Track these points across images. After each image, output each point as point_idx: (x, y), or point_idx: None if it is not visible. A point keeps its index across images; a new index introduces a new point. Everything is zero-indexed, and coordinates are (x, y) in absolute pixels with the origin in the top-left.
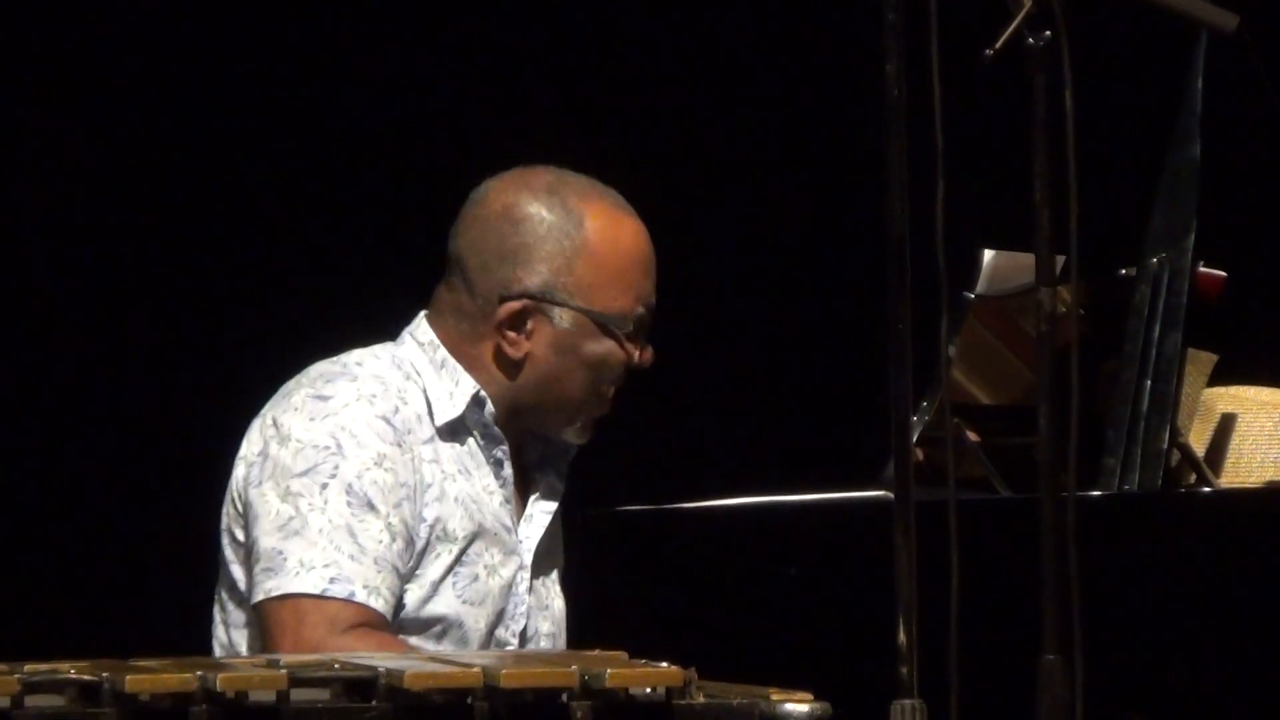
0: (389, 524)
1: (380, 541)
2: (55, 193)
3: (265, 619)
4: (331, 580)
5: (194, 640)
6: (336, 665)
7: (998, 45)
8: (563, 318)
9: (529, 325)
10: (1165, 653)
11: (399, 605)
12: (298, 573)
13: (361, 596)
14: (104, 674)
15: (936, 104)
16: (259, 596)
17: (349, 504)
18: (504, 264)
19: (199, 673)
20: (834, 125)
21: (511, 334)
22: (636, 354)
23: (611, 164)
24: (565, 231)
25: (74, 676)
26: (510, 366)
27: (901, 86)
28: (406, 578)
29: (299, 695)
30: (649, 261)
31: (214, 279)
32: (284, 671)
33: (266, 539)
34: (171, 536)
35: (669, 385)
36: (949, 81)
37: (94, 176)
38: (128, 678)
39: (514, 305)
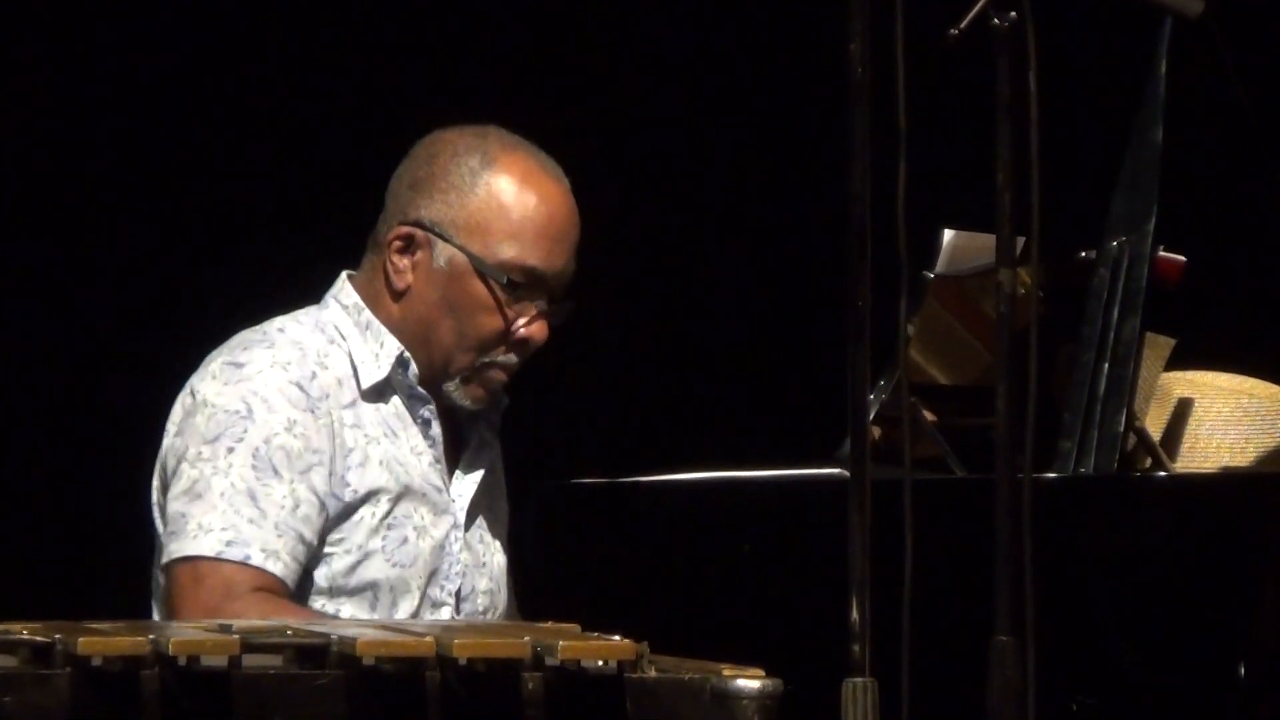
0: (293, 490)
1: (283, 507)
2: None
3: (167, 581)
4: (228, 543)
5: (143, 611)
6: (289, 632)
7: (962, 26)
8: (442, 254)
9: (416, 256)
10: (1117, 636)
11: (310, 570)
12: (196, 535)
13: (258, 560)
14: (56, 636)
15: (900, 84)
16: (164, 559)
17: (254, 468)
18: (410, 191)
19: (151, 636)
20: (797, 103)
21: (397, 259)
22: (519, 320)
23: (571, 142)
24: (472, 170)
25: (26, 637)
26: (397, 297)
27: (865, 66)
28: (326, 542)
29: (251, 661)
30: (555, 228)
31: (147, 253)
32: (236, 637)
33: (174, 504)
34: (122, 504)
35: (626, 359)
36: (913, 61)
37: (24, 151)
38: (80, 640)
39: (403, 229)
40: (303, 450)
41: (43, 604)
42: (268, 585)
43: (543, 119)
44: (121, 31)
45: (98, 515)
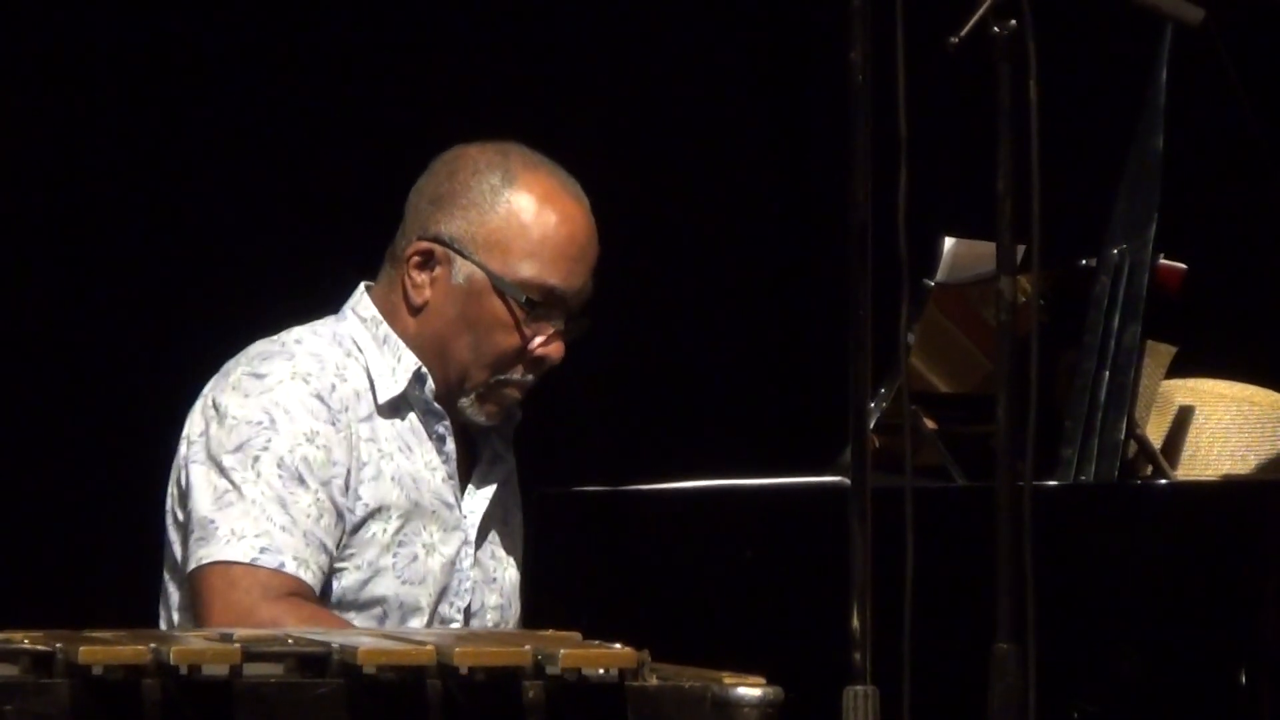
0: (318, 499)
1: (309, 515)
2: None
3: (196, 586)
4: (262, 550)
5: (145, 619)
6: (290, 640)
7: (963, 33)
8: (461, 271)
9: (435, 271)
10: (1117, 644)
11: (327, 581)
12: (229, 541)
13: (291, 568)
14: (57, 645)
15: (900, 91)
16: (191, 565)
17: (280, 476)
18: (431, 206)
19: (152, 645)
20: (798, 111)
21: (416, 274)
22: (536, 338)
23: (574, 149)
24: (494, 188)
25: (27, 646)
26: (414, 312)
27: (866, 73)
28: (336, 556)
29: (252, 670)
30: (575, 248)
31: (160, 259)
32: (237, 646)
33: (199, 511)
34: (126, 512)
35: (629, 366)
36: (913, 69)
37: (37, 157)
38: (81, 649)
39: (422, 244)
40: (324, 461)
41: (43, 613)
42: (301, 592)
43: (547, 130)
44: (140, 38)
45: (99, 524)
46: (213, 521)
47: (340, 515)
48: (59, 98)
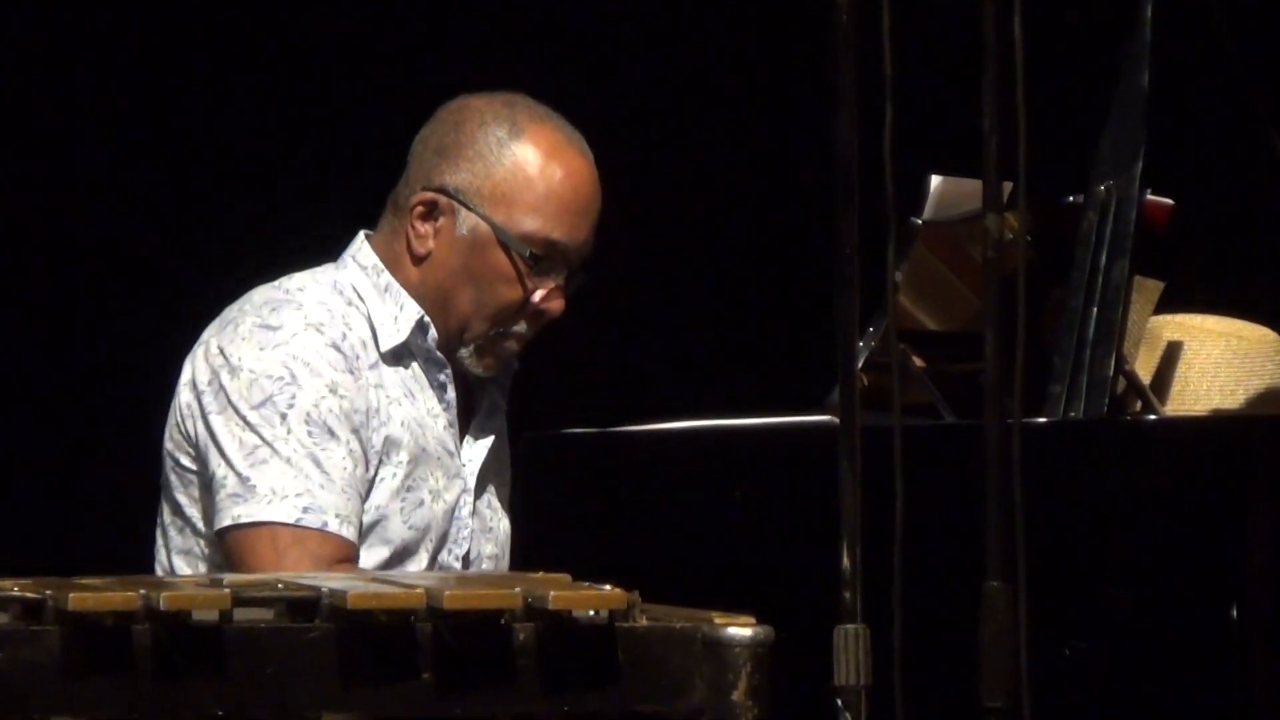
0: (350, 450)
1: (344, 468)
2: None
3: (237, 545)
4: (305, 509)
5: (138, 563)
6: (280, 585)
7: None
8: (466, 222)
9: (439, 222)
10: (1108, 580)
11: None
12: (270, 500)
13: (334, 526)
14: (47, 591)
15: (885, 29)
16: (226, 522)
17: (310, 433)
18: (436, 156)
19: (142, 591)
20: (783, 50)
21: (420, 225)
22: (538, 291)
23: (558, 93)
24: (500, 140)
25: (17, 594)
26: (417, 262)
27: (850, 12)
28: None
29: (242, 615)
30: (580, 203)
31: (153, 204)
32: (227, 591)
33: (231, 467)
34: (118, 457)
35: (615, 307)
36: (898, 6)
37: (30, 109)
38: (71, 595)
39: (426, 195)
40: (349, 410)
41: (33, 560)
42: (346, 554)
43: (535, 66)
44: None
45: (89, 470)
46: (248, 479)
47: (367, 463)
48: (50, 51)
